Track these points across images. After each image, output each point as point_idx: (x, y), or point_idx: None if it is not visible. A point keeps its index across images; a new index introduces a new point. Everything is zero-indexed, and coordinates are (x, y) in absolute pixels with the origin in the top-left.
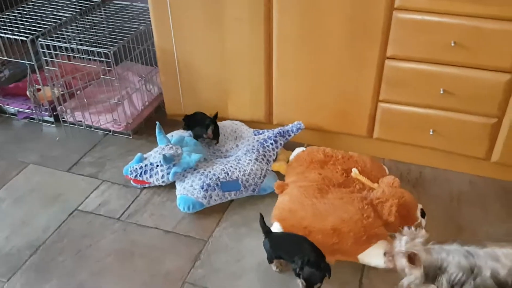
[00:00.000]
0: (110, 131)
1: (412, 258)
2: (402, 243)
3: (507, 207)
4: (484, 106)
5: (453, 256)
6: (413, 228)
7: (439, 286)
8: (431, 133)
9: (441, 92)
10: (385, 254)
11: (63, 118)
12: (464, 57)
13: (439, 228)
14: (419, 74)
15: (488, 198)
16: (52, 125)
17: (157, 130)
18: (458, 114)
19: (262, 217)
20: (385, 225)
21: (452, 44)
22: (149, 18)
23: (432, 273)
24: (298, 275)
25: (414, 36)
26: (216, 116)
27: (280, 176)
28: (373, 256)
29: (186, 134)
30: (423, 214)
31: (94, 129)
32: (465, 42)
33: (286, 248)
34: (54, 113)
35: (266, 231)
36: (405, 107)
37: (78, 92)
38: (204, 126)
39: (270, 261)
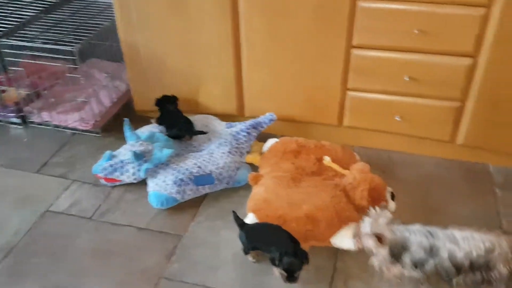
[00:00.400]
0: (78, 130)
1: (380, 238)
2: (366, 225)
3: (473, 187)
4: (447, 91)
5: (415, 236)
6: (378, 209)
7: (403, 265)
8: (397, 119)
9: (406, 78)
10: (354, 236)
11: (30, 119)
12: (427, 43)
13: (409, 209)
14: (384, 62)
15: (454, 178)
16: (19, 126)
17: (125, 127)
18: (423, 99)
19: (234, 213)
20: (358, 209)
21: (415, 32)
22: (114, 13)
23: (397, 252)
24: (275, 265)
25: (378, 24)
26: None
27: (254, 167)
28: (344, 239)
29: (157, 130)
30: (393, 197)
31: (62, 128)
32: (427, 28)
33: (262, 238)
34: (21, 114)
35: (240, 223)
36: (372, 95)
37: (45, 92)
38: (183, 131)
39: (246, 252)
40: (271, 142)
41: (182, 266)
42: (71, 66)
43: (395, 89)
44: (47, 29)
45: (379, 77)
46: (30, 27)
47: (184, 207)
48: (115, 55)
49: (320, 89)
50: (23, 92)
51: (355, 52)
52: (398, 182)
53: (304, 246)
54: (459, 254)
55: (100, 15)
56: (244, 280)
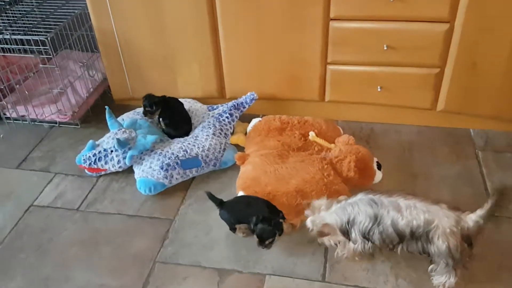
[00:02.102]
0: (56, 122)
1: (324, 232)
2: (310, 224)
3: (455, 151)
4: (426, 58)
5: (359, 207)
6: (314, 202)
7: (352, 240)
8: (378, 89)
9: (385, 48)
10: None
11: (5, 114)
12: (403, 10)
13: (394, 176)
14: (363, 32)
15: (437, 144)
16: None
17: (107, 115)
18: (402, 68)
19: (209, 193)
20: (345, 181)
21: (391, 0)
22: (83, 1)
23: (346, 230)
24: (253, 232)
25: None
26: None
27: (239, 148)
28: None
29: (138, 116)
30: (379, 166)
31: (39, 122)
32: None
33: (242, 211)
34: None
35: (219, 202)
36: (352, 67)
37: (17, 85)
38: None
39: (233, 229)
40: (254, 121)
41: (175, 249)
42: (43, 57)
43: (374, 60)
44: (16, 20)
45: (358, 48)
46: None
47: (172, 192)
48: (88, 44)
49: (300, 64)
50: None
51: (334, 24)
52: (382, 152)
53: (296, 220)
54: (401, 222)
55: (69, 4)
56: (239, 257)
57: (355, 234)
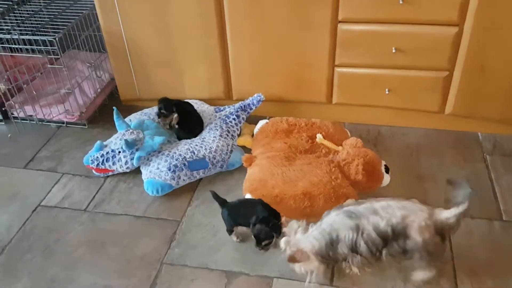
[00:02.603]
0: (63, 122)
1: (295, 258)
2: (283, 245)
3: (463, 155)
4: (435, 61)
5: (337, 223)
6: (293, 222)
7: (340, 257)
8: (386, 92)
9: (393, 50)
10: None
11: (12, 114)
12: (412, 13)
13: (401, 180)
14: (371, 35)
15: (445, 148)
16: (1, 122)
17: (115, 116)
18: (411, 71)
19: (213, 192)
20: (353, 184)
21: (400, 2)
22: (91, 1)
23: (331, 251)
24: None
25: None
26: None
27: (246, 150)
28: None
29: (145, 117)
30: (387, 170)
31: (47, 122)
32: None
33: (242, 213)
34: (2, 109)
35: (222, 201)
36: (361, 70)
37: (25, 85)
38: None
39: (230, 231)
40: (261, 123)
41: (183, 250)
42: (51, 57)
43: (383, 62)
44: (24, 20)
45: (366, 51)
46: (5, 20)
47: (179, 193)
48: (96, 45)
49: (308, 66)
50: (2, 86)
51: (342, 27)
52: (389, 155)
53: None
54: (382, 223)
55: (76, 4)
56: (246, 260)
57: (342, 251)
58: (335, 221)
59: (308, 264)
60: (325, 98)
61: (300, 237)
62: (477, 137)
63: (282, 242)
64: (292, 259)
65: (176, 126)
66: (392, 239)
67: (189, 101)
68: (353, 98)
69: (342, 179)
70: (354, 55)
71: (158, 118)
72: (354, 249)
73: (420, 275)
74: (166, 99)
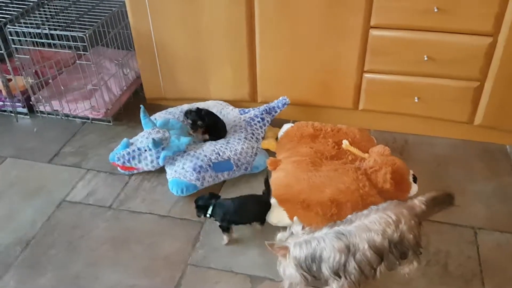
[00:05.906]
0: (88, 118)
1: (273, 245)
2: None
3: (491, 167)
4: (466, 71)
5: (325, 242)
6: (278, 234)
7: (321, 278)
8: (416, 100)
9: (425, 58)
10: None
11: (38, 108)
12: (446, 22)
13: (427, 191)
14: (403, 42)
15: (472, 159)
16: (26, 116)
17: (141, 114)
18: (441, 79)
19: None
20: (380, 193)
21: (435, 10)
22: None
23: (311, 266)
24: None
25: (396, 3)
26: None
27: (270, 153)
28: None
29: (170, 116)
30: (415, 179)
31: (72, 117)
32: (447, 7)
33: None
34: (28, 103)
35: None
36: (390, 76)
37: (52, 80)
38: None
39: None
40: (286, 127)
41: (206, 252)
42: (80, 53)
43: (413, 70)
44: (54, 15)
45: (397, 58)
46: (35, 14)
47: (203, 194)
48: (123, 43)
49: (336, 72)
50: (30, 80)
51: (373, 32)
52: (415, 164)
53: None
54: (378, 238)
55: (106, 1)
56: (270, 264)
57: (324, 272)
58: (323, 238)
59: (285, 266)
60: (352, 104)
61: (292, 237)
62: (505, 150)
63: (277, 236)
64: (271, 246)
65: (208, 138)
66: (388, 250)
67: (213, 101)
68: (381, 105)
69: (369, 187)
70: (384, 61)
71: (192, 130)
72: (337, 272)
73: (409, 267)
74: (196, 110)
